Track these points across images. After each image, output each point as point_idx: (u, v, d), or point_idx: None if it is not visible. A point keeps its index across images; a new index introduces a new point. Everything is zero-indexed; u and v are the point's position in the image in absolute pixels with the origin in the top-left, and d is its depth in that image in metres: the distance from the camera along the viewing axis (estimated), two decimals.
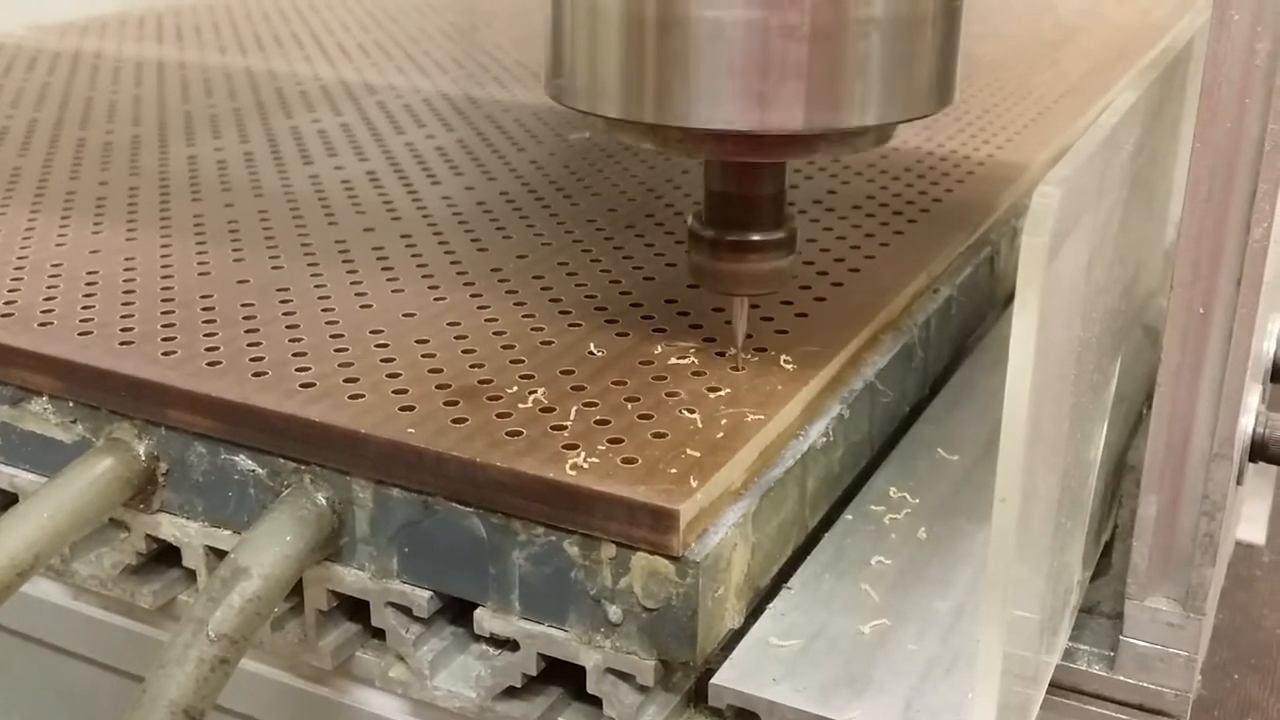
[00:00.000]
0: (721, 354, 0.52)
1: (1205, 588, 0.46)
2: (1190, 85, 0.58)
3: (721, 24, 0.42)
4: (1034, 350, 0.33)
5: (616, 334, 0.54)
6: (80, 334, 0.54)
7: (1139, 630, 0.47)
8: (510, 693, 0.46)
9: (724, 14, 0.42)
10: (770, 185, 0.49)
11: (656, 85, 0.43)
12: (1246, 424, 0.46)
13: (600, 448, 0.45)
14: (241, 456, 0.48)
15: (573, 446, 0.45)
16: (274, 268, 0.61)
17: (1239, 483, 0.46)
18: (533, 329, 0.55)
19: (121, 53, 1.09)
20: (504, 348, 0.53)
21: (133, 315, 0.56)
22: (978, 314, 0.67)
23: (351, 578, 0.47)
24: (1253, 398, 0.48)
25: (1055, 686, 0.48)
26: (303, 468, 0.47)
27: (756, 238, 0.49)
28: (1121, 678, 0.48)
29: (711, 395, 0.49)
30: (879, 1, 0.43)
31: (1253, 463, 0.49)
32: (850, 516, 0.51)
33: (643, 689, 0.44)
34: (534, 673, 0.45)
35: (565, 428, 0.46)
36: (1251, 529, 1.31)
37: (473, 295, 0.58)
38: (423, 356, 0.52)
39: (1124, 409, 0.53)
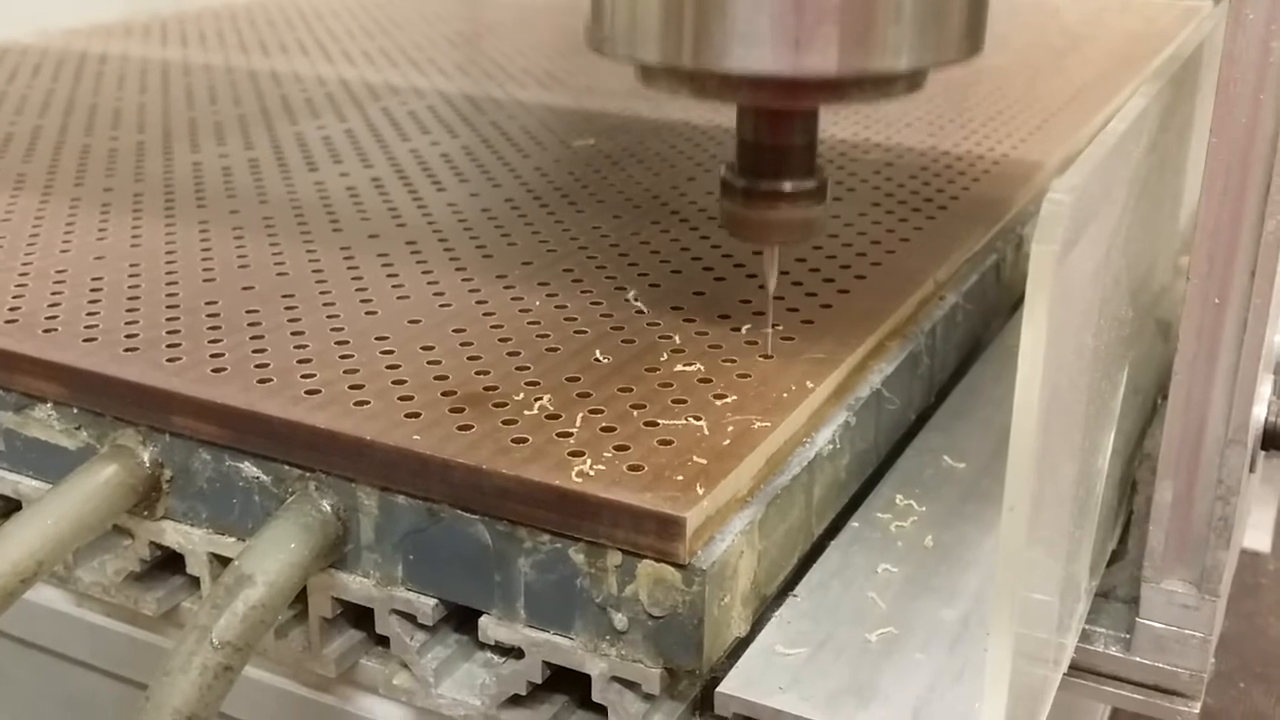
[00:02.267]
0: (730, 361, 0.52)
1: (1220, 570, 0.47)
2: (1202, 87, 0.58)
3: None
4: (1043, 358, 0.33)
5: (622, 341, 0.54)
6: (85, 340, 0.54)
7: (1155, 612, 0.48)
8: (515, 701, 0.46)
9: None
10: (802, 135, 0.50)
11: (695, 31, 0.44)
12: (1259, 413, 0.47)
13: (606, 455, 0.45)
14: (246, 463, 0.48)
15: (579, 454, 0.45)
16: (279, 274, 0.61)
17: (1251, 470, 0.47)
18: (538, 335, 0.55)
19: (126, 59, 1.09)
20: (509, 354, 0.53)
21: (137, 321, 0.56)
22: (984, 321, 0.67)
23: (356, 585, 0.47)
24: (1265, 388, 0.49)
25: (1072, 668, 0.50)
26: (307, 474, 0.47)
27: (788, 187, 0.50)
28: (1138, 658, 0.49)
29: (718, 402, 0.49)
30: None
31: (1264, 451, 0.50)
32: (857, 524, 0.51)
33: (648, 697, 0.44)
34: (539, 681, 0.45)
35: (571, 435, 0.46)
36: (1257, 536, 1.30)
37: (478, 302, 0.58)
38: (428, 363, 0.52)
39: (1139, 400, 0.53)
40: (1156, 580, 0.47)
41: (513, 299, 0.58)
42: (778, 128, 0.49)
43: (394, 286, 0.60)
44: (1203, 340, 0.44)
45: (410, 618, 0.47)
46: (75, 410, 0.52)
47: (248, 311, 0.57)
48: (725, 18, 0.44)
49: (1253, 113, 0.41)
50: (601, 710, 0.44)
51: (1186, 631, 0.48)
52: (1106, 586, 0.51)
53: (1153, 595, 0.48)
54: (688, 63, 0.45)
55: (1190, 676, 0.48)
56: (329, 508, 0.47)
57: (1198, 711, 0.49)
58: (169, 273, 0.61)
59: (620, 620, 0.43)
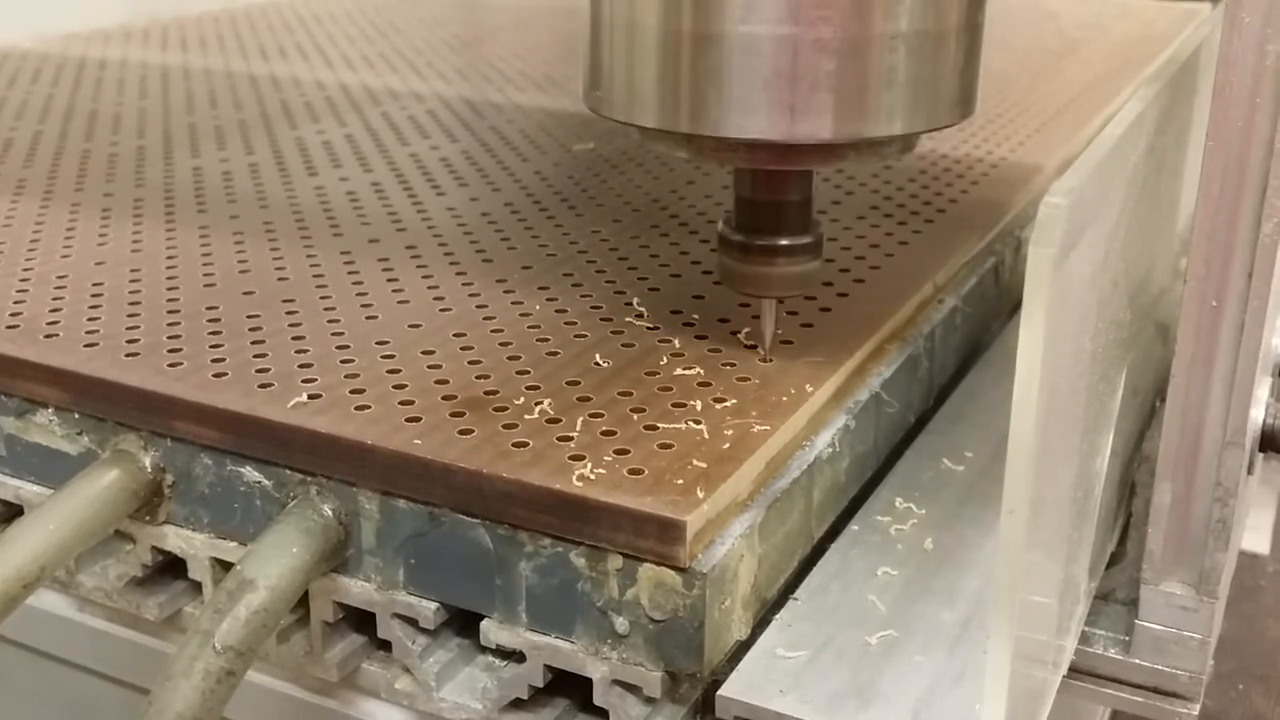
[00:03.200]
0: (729, 365, 0.52)
1: (1218, 572, 0.47)
2: (1200, 90, 0.59)
3: (755, 39, 0.44)
4: (1041, 361, 0.33)
5: (622, 344, 0.54)
6: (86, 345, 0.54)
7: (1154, 614, 0.48)
8: (517, 704, 0.46)
9: (758, 29, 0.44)
10: (798, 192, 0.51)
11: (692, 97, 0.46)
12: (1257, 415, 0.48)
13: (607, 459, 0.45)
14: (247, 468, 0.48)
15: (579, 457, 0.45)
16: (280, 279, 0.61)
17: (1249, 472, 0.48)
18: (538, 340, 0.55)
19: (126, 64, 1.09)
20: (510, 358, 0.53)
21: (138, 327, 0.56)
22: (983, 324, 0.67)
23: (358, 589, 0.47)
24: (1263, 390, 0.49)
25: (1072, 670, 0.50)
26: (309, 479, 0.47)
27: (785, 242, 0.51)
28: (1137, 660, 0.49)
29: (718, 406, 0.49)
30: (905, 17, 0.45)
31: (1262, 453, 0.50)
32: (856, 527, 0.51)
33: (649, 701, 0.44)
34: (541, 684, 0.45)
35: (572, 439, 0.46)
36: (1256, 539, 1.31)
37: (478, 306, 0.58)
38: (429, 368, 0.52)
39: (1138, 402, 0.54)
40: (1155, 582, 0.48)
41: (513, 303, 0.59)
42: (774, 186, 0.50)
43: (394, 291, 0.60)
44: (1200, 342, 0.44)
45: (412, 622, 0.47)
46: (77, 415, 0.52)
47: (248, 316, 0.57)
48: (722, 86, 0.45)
49: (1249, 116, 0.41)
50: (603, 714, 0.44)
51: (1185, 633, 0.48)
52: (1105, 589, 0.52)
53: (1152, 597, 0.48)
54: (685, 128, 0.46)
55: (1189, 678, 0.48)
56: (330, 512, 0.47)
57: (1197, 713, 0.49)
58: (170, 278, 0.62)
59: (621, 624, 0.43)
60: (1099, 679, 0.50)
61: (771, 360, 0.52)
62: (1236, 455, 0.45)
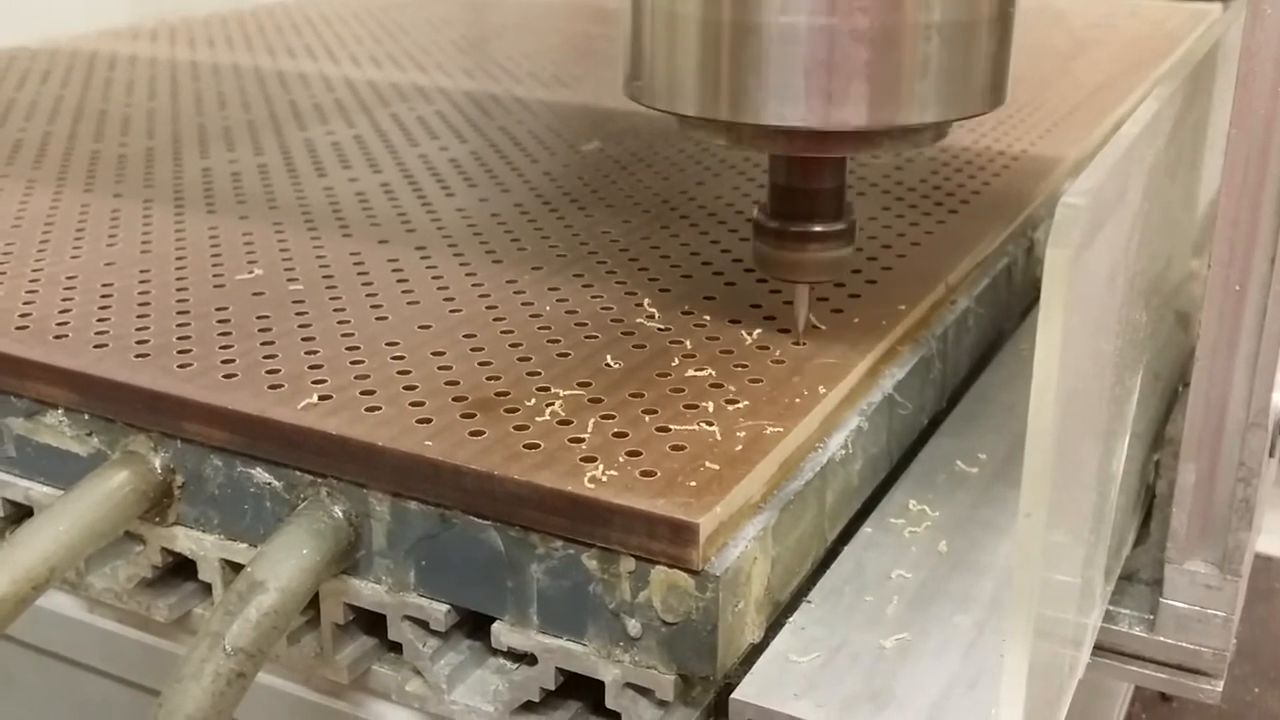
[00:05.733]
0: (741, 366, 0.52)
1: (1242, 551, 0.48)
2: (1216, 89, 0.59)
3: (795, 29, 0.45)
4: (1058, 361, 0.33)
5: (633, 346, 0.54)
6: (96, 346, 0.54)
7: (1178, 592, 0.49)
8: (528, 707, 0.46)
9: (797, 20, 0.45)
10: (832, 179, 0.52)
11: (732, 85, 0.47)
12: (1278, 399, 0.49)
13: (619, 460, 0.45)
14: (258, 469, 0.48)
15: (591, 459, 0.45)
16: (289, 279, 0.61)
17: (1271, 454, 0.48)
18: (549, 341, 0.54)
19: (134, 64, 1.09)
20: (520, 360, 0.53)
21: (148, 328, 0.56)
22: (995, 326, 0.67)
23: (368, 591, 0.47)
24: None
25: (1097, 648, 0.51)
26: (319, 480, 0.47)
27: (819, 228, 0.52)
28: (1161, 638, 0.50)
29: (730, 408, 0.49)
30: (939, 8, 0.46)
31: None
32: (870, 529, 0.51)
33: (662, 704, 0.43)
34: (552, 687, 0.45)
35: (583, 440, 0.46)
36: (1272, 541, 1.30)
37: (488, 307, 0.58)
38: (439, 369, 0.52)
39: (1159, 387, 0.55)
40: (1179, 561, 0.49)
41: (523, 304, 0.58)
42: (809, 173, 0.52)
43: (404, 292, 0.60)
44: (1224, 326, 0.46)
45: (423, 624, 0.46)
46: (86, 416, 0.52)
47: (258, 317, 0.57)
48: (761, 75, 0.46)
49: (1271, 105, 0.43)
50: (615, 717, 0.44)
51: (1209, 611, 0.49)
52: (1130, 569, 0.53)
53: (1176, 576, 0.49)
54: (725, 116, 0.48)
55: (1213, 655, 0.49)
56: (341, 514, 0.47)
57: (1220, 689, 0.50)
58: (179, 278, 0.61)
59: (634, 626, 0.43)
60: (1124, 656, 0.51)
61: (805, 344, 0.54)
62: (1259, 436, 0.47)
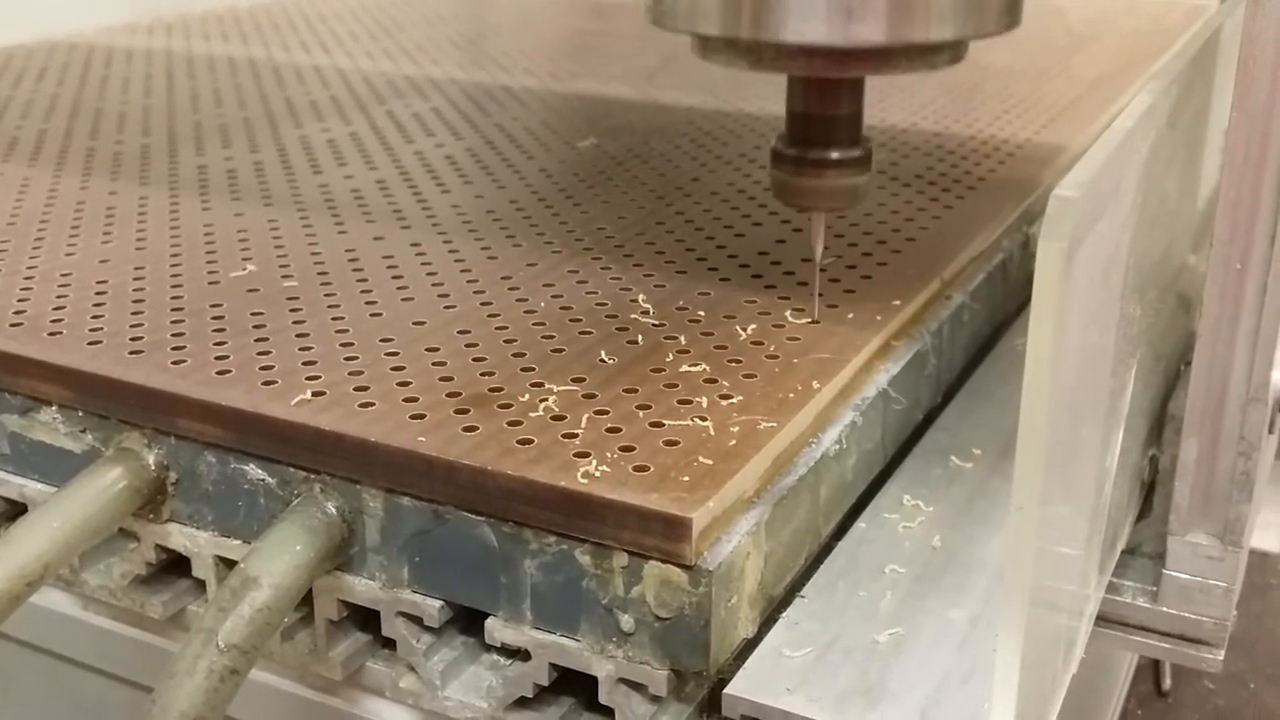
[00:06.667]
0: (735, 361, 0.52)
1: (1242, 523, 0.49)
2: (1217, 76, 0.59)
3: None
4: (1051, 357, 0.33)
5: (627, 341, 0.54)
6: (90, 343, 0.54)
7: (1180, 563, 0.51)
8: (522, 703, 0.46)
9: None
10: (848, 104, 0.53)
11: (754, 4, 0.47)
12: (1278, 376, 0.50)
13: (612, 456, 0.45)
14: (251, 466, 0.48)
15: (584, 455, 0.45)
16: (283, 276, 0.61)
17: (1270, 430, 0.50)
18: (543, 337, 0.54)
19: (130, 62, 1.09)
20: (514, 355, 0.53)
21: (142, 324, 0.56)
22: (990, 321, 0.67)
23: (362, 587, 0.47)
24: None
25: (1101, 619, 0.52)
26: (313, 477, 0.47)
27: (835, 155, 0.53)
28: (1164, 609, 0.51)
29: (723, 403, 0.49)
30: None
31: None
32: (864, 525, 0.51)
33: (655, 699, 0.43)
34: (546, 683, 0.45)
35: (576, 436, 0.46)
36: (1267, 537, 1.30)
37: (483, 303, 0.58)
38: (433, 365, 0.52)
39: (1161, 367, 0.56)
40: (1182, 533, 0.50)
41: (517, 300, 0.58)
42: (826, 97, 0.52)
43: (399, 288, 0.60)
44: (1226, 303, 0.47)
45: (416, 620, 0.46)
46: (80, 413, 0.52)
47: (252, 314, 0.57)
48: None
49: (1271, 88, 0.44)
50: (608, 712, 0.44)
51: (1211, 581, 0.50)
52: (1133, 543, 0.54)
53: (1178, 547, 0.50)
54: (746, 34, 0.48)
55: (1214, 624, 0.50)
56: (334, 510, 0.47)
57: (1221, 658, 0.51)
58: (174, 275, 0.61)
59: (627, 622, 0.43)
60: (1127, 627, 0.52)
61: (825, 269, 0.54)
62: (1260, 410, 0.48)
